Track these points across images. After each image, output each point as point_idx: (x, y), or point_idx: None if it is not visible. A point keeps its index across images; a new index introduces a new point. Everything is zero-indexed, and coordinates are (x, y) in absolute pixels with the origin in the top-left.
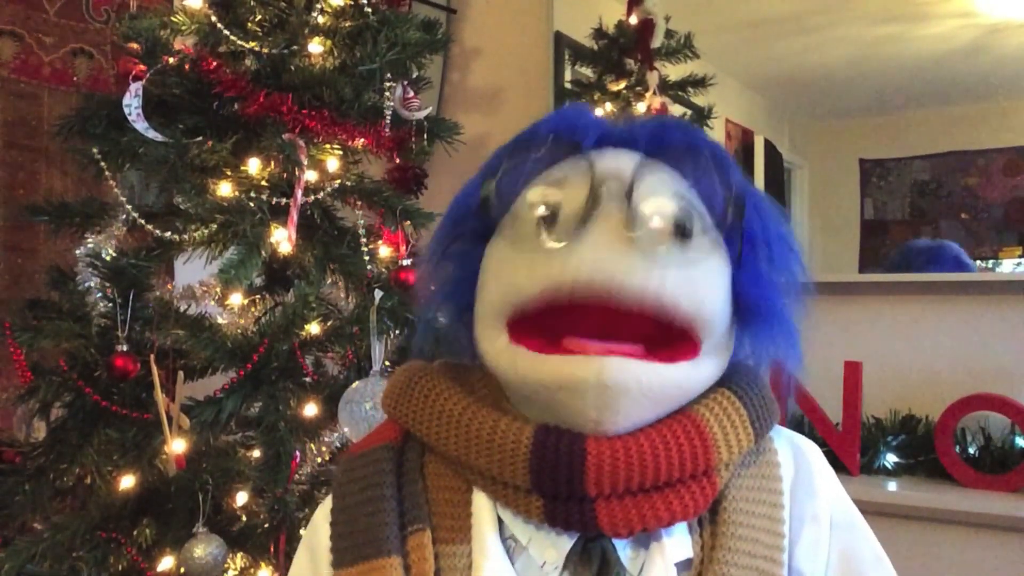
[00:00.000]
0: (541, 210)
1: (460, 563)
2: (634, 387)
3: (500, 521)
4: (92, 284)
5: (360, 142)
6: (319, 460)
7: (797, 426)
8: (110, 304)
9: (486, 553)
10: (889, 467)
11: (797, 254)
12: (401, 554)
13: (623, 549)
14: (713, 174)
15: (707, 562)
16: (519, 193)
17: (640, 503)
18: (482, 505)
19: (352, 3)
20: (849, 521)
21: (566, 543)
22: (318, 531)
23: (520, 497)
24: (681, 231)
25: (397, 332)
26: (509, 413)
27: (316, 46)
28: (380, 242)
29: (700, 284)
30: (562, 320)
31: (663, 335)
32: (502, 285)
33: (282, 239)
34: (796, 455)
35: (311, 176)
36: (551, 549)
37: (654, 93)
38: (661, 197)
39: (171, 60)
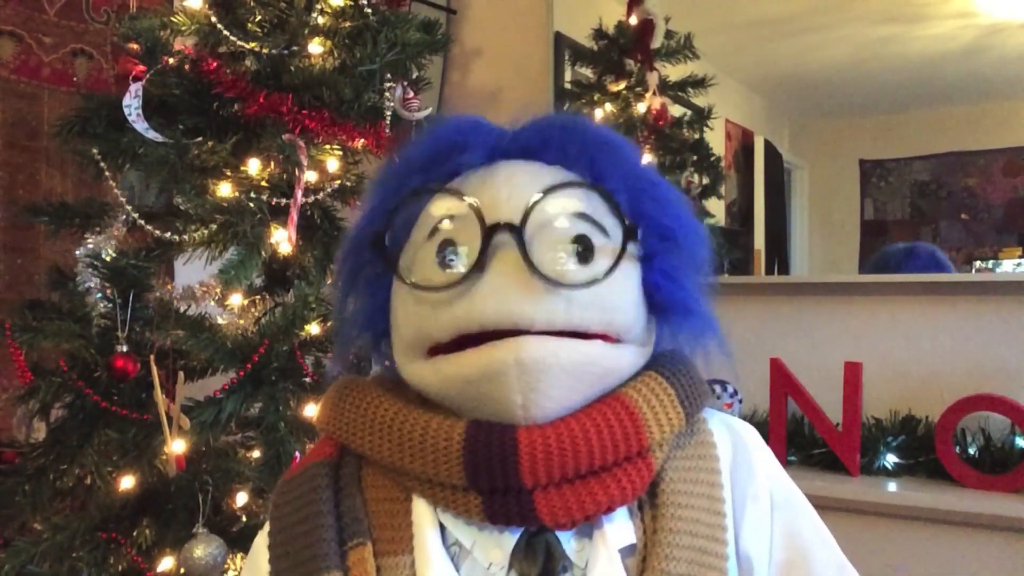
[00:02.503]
0: (445, 223)
1: (403, 574)
2: (552, 361)
3: (443, 528)
4: (92, 284)
5: (360, 142)
6: None
7: (797, 427)
8: (110, 304)
9: (428, 562)
10: (889, 467)
11: (705, 241)
12: (342, 570)
13: (567, 542)
14: (614, 170)
15: (650, 545)
16: (420, 210)
17: (578, 490)
18: (422, 513)
19: (352, 3)
20: (789, 500)
21: (510, 541)
22: (257, 559)
23: (459, 497)
24: (582, 254)
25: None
26: (440, 414)
27: (316, 47)
28: None
29: (608, 299)
30: (474, 341)
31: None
32: (412, 328)
33: (282, 239)
34: (732, 437)
35: (311, 176)
36: (495, 549)
37: (654, 94)
38: (557, 225)
39: (171, 60)
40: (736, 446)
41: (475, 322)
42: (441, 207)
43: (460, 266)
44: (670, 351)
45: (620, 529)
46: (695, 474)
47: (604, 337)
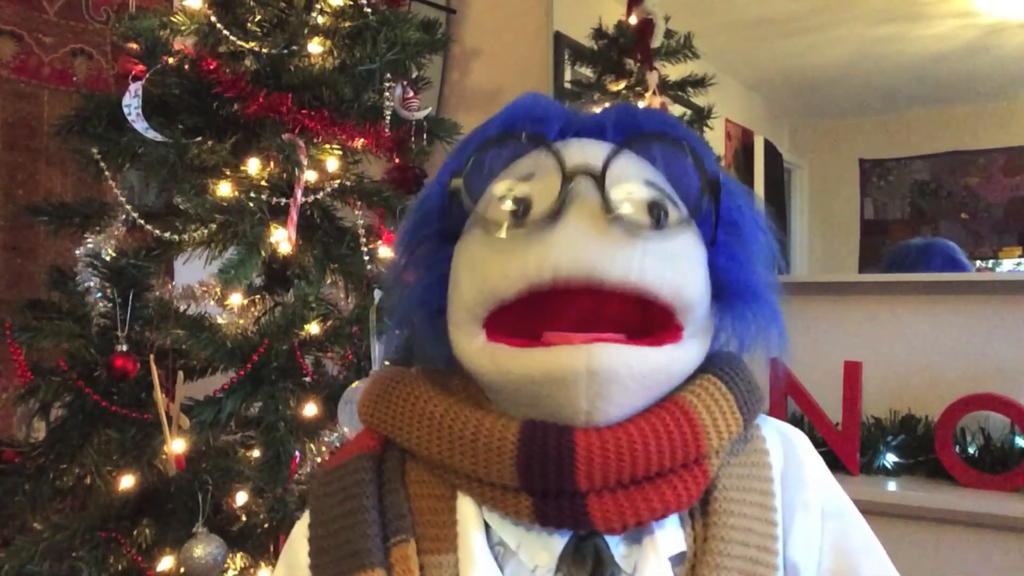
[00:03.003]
0: (508, 204)
1: (446, 573)
2: (624, 372)
3: (488, 527)
4: (92, 284)
5: (360, 142)
6: (319, 460)
7: (797, 426)
8: (110, 304)
9: (473, 561)
10: (889, 467)
11: (769, 235)
12: (384, 567)
13: (616, 546)
14: (685, 159)
15: (700, 554)
16: (485, 189)
17: (632, 495)
18: (467, 511)
19: (352, 3)
20: (839, 509)
21: (558, 544)
22: (296, 549)
23: (508, 497)
24: (656, 217)
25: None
26: (493, 412)
27: (316, 46)
28: (380, 242)
29: (679, 267)
30: (539, 317)
31: (643, 324)
32: (477, 282)
33: (282, 239)
34: (784, 444)
35: (311, 176)
36: (543, 551)
37: (654, 93)
38: (632, 184)
39: (171, 60)
40: (787, 453)
41: (547, 271)
42: (505, 185)
43: (534, 227)
44: (726, 353)
45: (670, 536)
46: (748, 482)
47: (668, 319)
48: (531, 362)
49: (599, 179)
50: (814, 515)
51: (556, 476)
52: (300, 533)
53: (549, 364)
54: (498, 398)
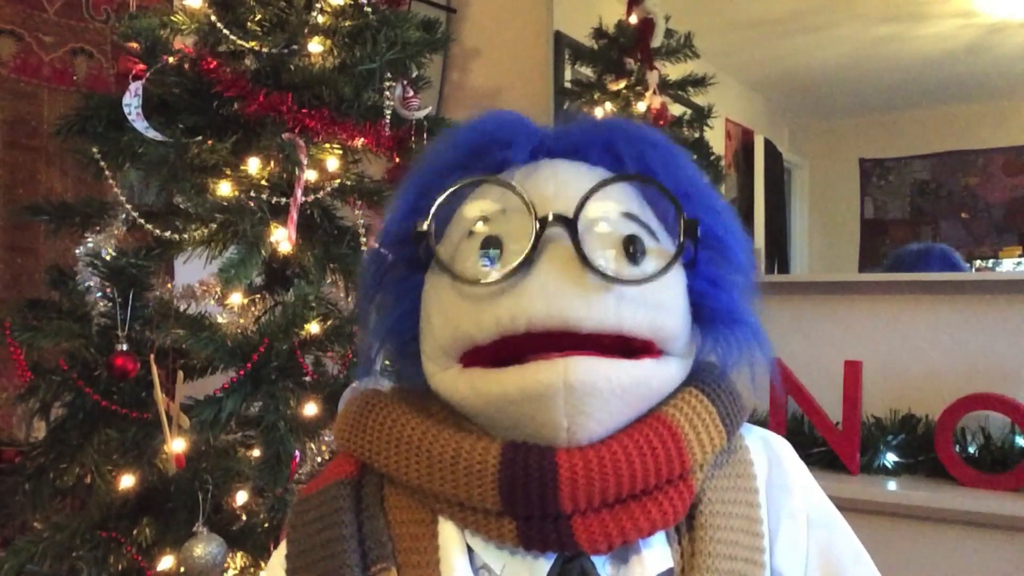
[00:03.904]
0: (479, 226)
1: None
2: (603, 385)
3: (471, 550)
4: (92, 284)
5: (360, 141)
6: (319, 460)
7: (797, 426)
8: (110, 304)
9: None
10: (889, 467)
11: (750, 250)
12: None
13: (603, 566)
14: (664, 172)
15: (688, 570)
16: (454, 212)
17: (618, 514)
18: (449, 535)
19: (352, 2)
20: (826, 518)
21: (543, 566)
22: None
23: (491, 521)
24: (632, 253)
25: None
26: (473, 433)
27: (316, 45)
28: None
29: (658, 303)
30: (516, 348)
31: (623, 349)
32: (449, 328)
33: (282, 238)
34: (768, 452)
35: (311, 175)
36: (527, 574)
37: (654, 93)
38: (607, 225)
39: (171, 59)
40: (772, 462)
41: (522, 321)
42: (476, 207)
43: (506, 262)
44: (707, 363)
45: (657, 553)
46: (734, 494)
47: (649, 347)
48: (507, 380)
49: (571, 225)
50: (800, 524)
51: (540, 499)
52: (277, 563)
53: (526, 380)
54: (478, 422)
